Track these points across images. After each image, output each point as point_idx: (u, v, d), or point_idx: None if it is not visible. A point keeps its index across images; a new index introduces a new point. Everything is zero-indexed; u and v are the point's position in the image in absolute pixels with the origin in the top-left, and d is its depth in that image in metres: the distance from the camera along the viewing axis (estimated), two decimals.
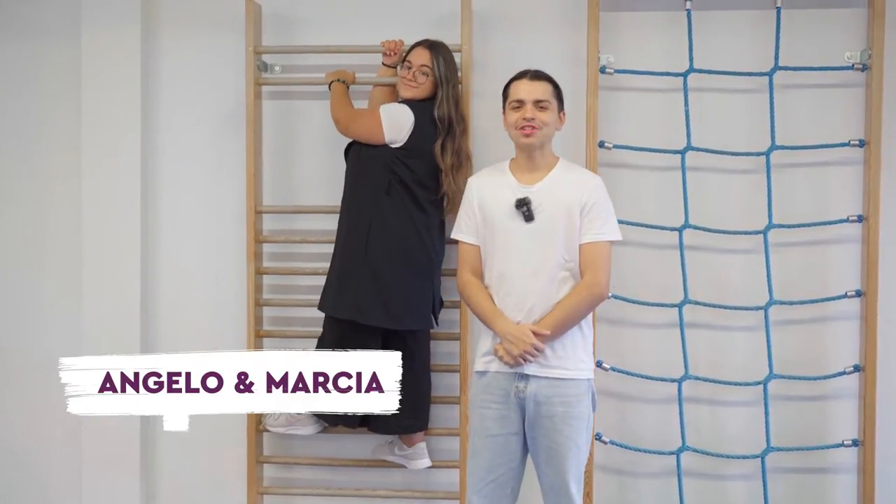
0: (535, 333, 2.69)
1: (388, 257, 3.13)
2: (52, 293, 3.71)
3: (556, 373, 2.74)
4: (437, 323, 3.35)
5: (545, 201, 2.77)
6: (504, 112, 2.86)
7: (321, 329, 3.32)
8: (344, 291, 3.15)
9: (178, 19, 3.62)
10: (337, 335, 3.19)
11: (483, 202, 2.83)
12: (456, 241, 2.92)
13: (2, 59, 3.71)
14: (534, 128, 2.76)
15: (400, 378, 3.27)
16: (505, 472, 2.78)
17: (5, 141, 3.73)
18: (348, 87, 3.33)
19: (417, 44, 3.24)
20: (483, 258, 2.85)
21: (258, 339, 3.51)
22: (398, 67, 3.32)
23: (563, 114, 2.88)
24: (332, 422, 3.32)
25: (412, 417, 3.29)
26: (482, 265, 2.85)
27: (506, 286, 2.77)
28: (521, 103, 2.78)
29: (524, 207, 2.76)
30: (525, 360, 2.70)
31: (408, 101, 3.21)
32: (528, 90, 2.79)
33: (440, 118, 3.17)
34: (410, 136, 3.15)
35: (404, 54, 3.28)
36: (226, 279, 3.60)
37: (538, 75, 2.83)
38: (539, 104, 2.78)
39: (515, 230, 2.77)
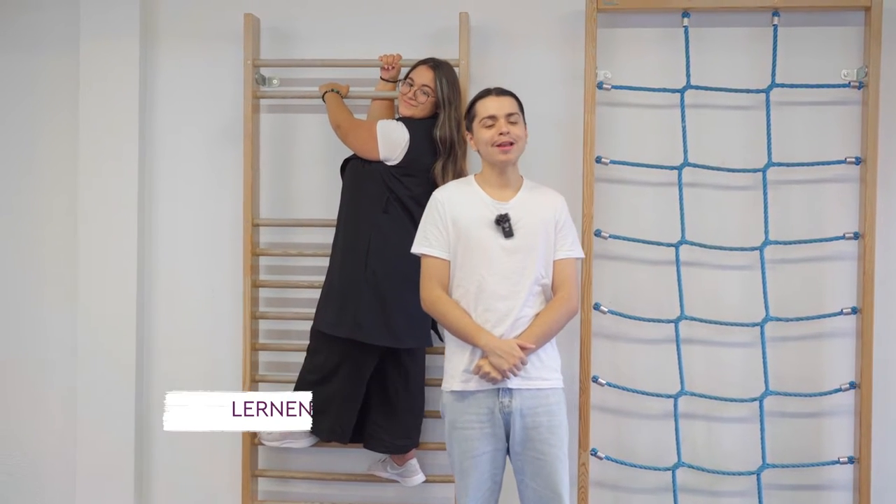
0: (520, 347, 2.70)
1: (387, 275, 3.12)
2: (48, 304, 3.70)
3: (538, 384, 2.76)
4: (441, 338, 3.35)
5: (523, 217, 2.79)
6: (471, 132, 2.87)
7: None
8: (344, 309, 3.13)
9: (177, 31, 3.62)
10: (335, 353, 3.18)
11: (457, 217, 2.81)
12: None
13: (0, 68, 3.72)
14: (511, 143, 2.78)
15: (396, 397, 3.28)
16: (492, 484, 2.80)
17: (3, 151, 3.73)
18: (342, 99, 3.34)
19: (421, 62, 3.24)
20: (453, 273, 2.82)
21: (254, 351, 3.50)
22: (399, 83, 3.32)
23: (525, 127, 2.90)
24: (325, 437, 3.30)
25: (406, 437, 3.29)
26: (450, 281, 2.83)
27: (485, 302, 2.76)
28: (493, 119, 2.80)
29: (505, 223, 2.77)
30: (513, 374, 2.71)
31: (405, 119, 3.21)
32: (497, 105, 2.81)
33: (441, 139, 3.16)
34: (406, 154, 3.14)
35: (407, 71, 3.27)
36: (222, 291, 3.59)
37: (503, 91, 2.86)
38: (510, 118, 2.80)
39: (494, 246, 2.77)
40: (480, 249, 2.77)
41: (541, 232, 2.79)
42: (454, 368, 2.81)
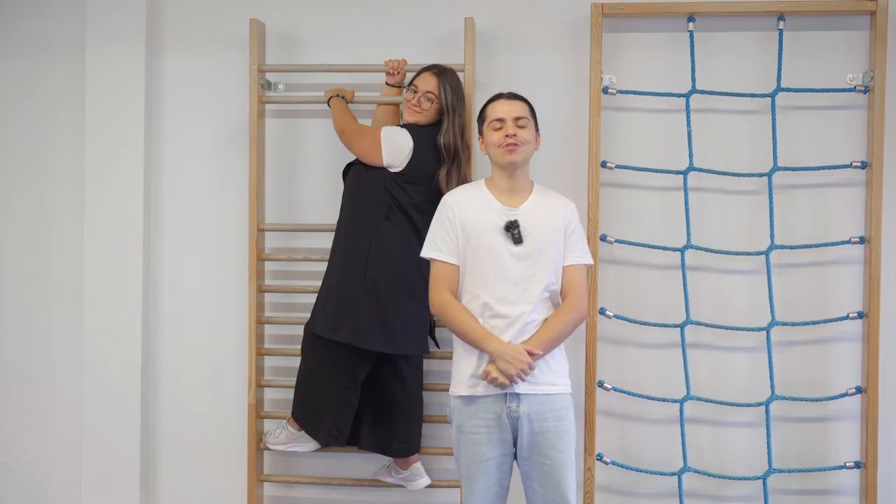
0: (528, 352, 2.70)
1: (387, 282, 3.12)
2: (54, 309, 3.71)
3: (546, 389, 2.76)
4: (437, 345, 3.35)
5: (532, 224, 2.79)
6: (481, 136, 2.89)
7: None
8: (342, 314, 3.13)
9: (183, 37, 3.63)
10: (330, 357, 3.18)
11: (466, 222, 2.82)
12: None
13: (6, 74, 3.73)
14: (516, 144, 2.78)
15: (394, 400, 3.27)
16: (498, 489, 2.80)
17: (9, 155, 3.73)
18: (347, 104, 3.35)
19: (426, 69, 3.24)
20: (462, 278, 2.83)
21: (259, 356, 3.50)
22: (403, 90, 3.32)
23: (539, 135, 2.92)
24: (323, 443, 3.30)
25: (405, 441, 3.28)
26: (459, 285, 2.84)
27: (494, 307, 2.76)
28: (501, 122, 2.82)
29: (515, 230, 2.77)
30: (521, 379, 2.70)
31: (409, 126, 3.21)
32: (506, 109, 2.83)
33: (445, 146, 3.16)
34: (409, 161, 3.14)
35: (412, 77, 3.27)
36: (227, 296, 3.60)
37: (514, 95, 2.88)
38: (518, 121, 2.81)
39: (503, 252, 2.77)
40: (489, 255, 2.77)
41: (551, 238, 2.79)
42: (461, 373, 2.80)
